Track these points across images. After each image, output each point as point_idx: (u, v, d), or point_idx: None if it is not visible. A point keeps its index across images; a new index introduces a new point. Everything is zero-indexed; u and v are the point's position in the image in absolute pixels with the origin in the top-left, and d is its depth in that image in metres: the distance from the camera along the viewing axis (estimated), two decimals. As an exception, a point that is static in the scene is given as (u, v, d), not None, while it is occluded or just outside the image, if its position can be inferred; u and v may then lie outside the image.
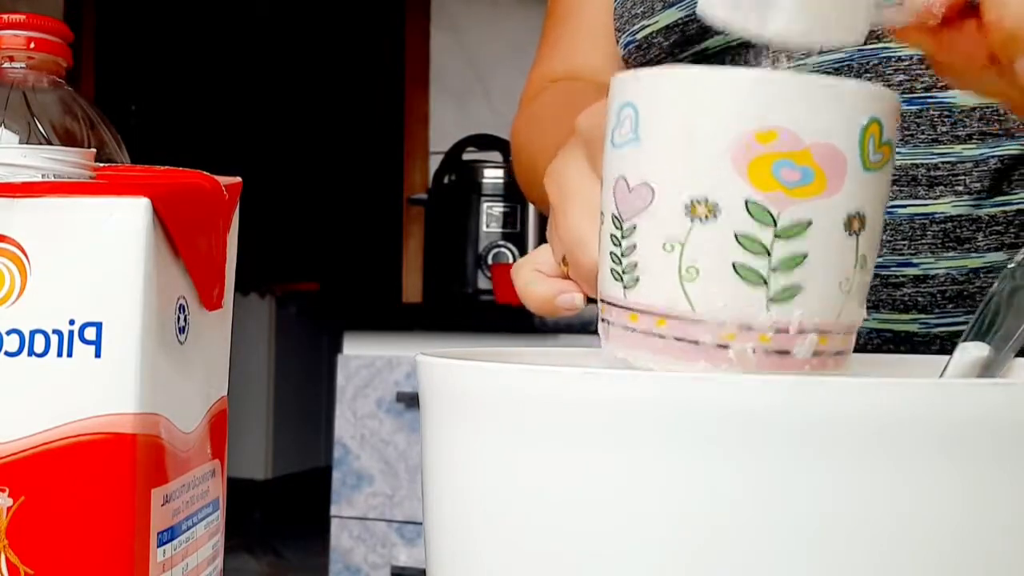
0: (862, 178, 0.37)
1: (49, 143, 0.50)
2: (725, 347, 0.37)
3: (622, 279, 0.39)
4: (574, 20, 0.83)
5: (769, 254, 0.37)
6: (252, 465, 4.73)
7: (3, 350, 0.42)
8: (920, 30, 0.40)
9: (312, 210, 5.37)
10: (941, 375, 0.45)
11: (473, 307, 2.51)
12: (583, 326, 2.18)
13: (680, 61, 0.68)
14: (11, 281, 0.42)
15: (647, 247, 0.38)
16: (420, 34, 3.12)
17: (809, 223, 0.37)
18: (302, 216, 5.35)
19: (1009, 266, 0.45)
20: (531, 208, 2.55)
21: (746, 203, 0.37)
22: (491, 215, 2.57)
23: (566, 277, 0.50)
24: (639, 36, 0.70)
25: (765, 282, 0.37)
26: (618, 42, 0.73)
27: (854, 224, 0.38)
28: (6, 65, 0.51)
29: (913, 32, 0.41)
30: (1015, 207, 0.60)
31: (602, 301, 0.42)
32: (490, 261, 2.54)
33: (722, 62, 0.67)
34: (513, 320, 2.26)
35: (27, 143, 0.50)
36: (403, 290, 3.15)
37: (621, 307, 0.40)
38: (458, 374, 0.38)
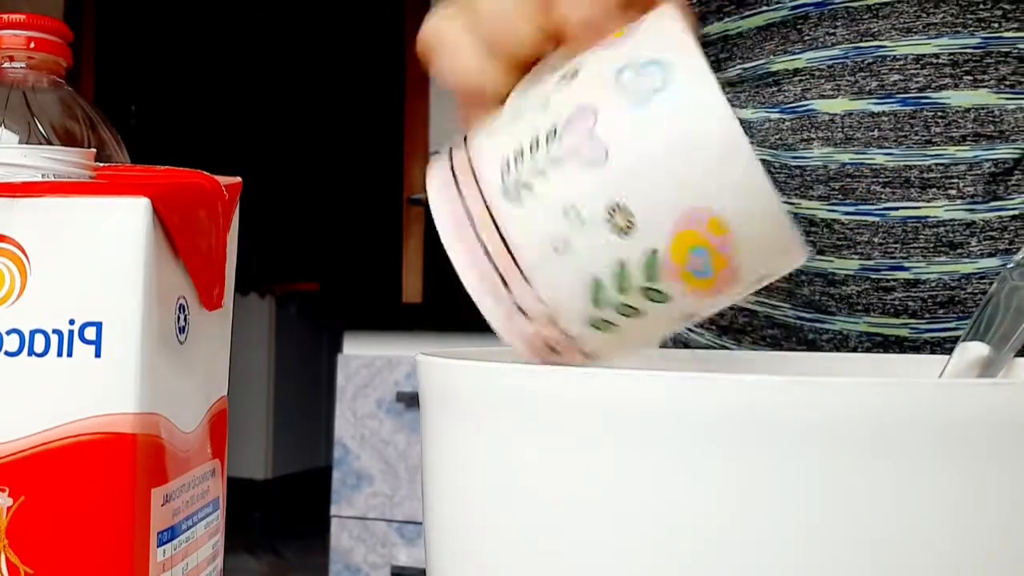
0: None
1: (49, 143, 0.50)
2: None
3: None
4: None
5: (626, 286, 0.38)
6: (252, 465, 4.74)
7: (3, 350, 0.42)
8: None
9: (312, 210, 5.37)
10: (941, 375, 0.45)
11: (473, 307, 2.50)
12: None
13: None
14: (11, 281, 0.42)
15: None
16: (420, 34, 3.12)
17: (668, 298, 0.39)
18: (302, 216, 5.35)
19: (1008, 267, 0.45)
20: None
21: (650, 254, 0.38)
22: (491, 215, 2.57)
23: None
24: None
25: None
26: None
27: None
28: (6, 65, 0.51)
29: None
30: (1010, 213, 0.60)
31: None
32: (490, 261, 2.54)
33: (720, 49, 0.67)
34: (513, 320, 2.26)
35: (27, 143, 0.50)
36: (403, 290, 3.16)
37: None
38: (458, 374, 0.38)
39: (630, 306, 0.38)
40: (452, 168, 0.41)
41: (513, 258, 0.39)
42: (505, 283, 0.39)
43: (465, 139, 0.42)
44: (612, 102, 0.38)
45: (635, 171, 0.37)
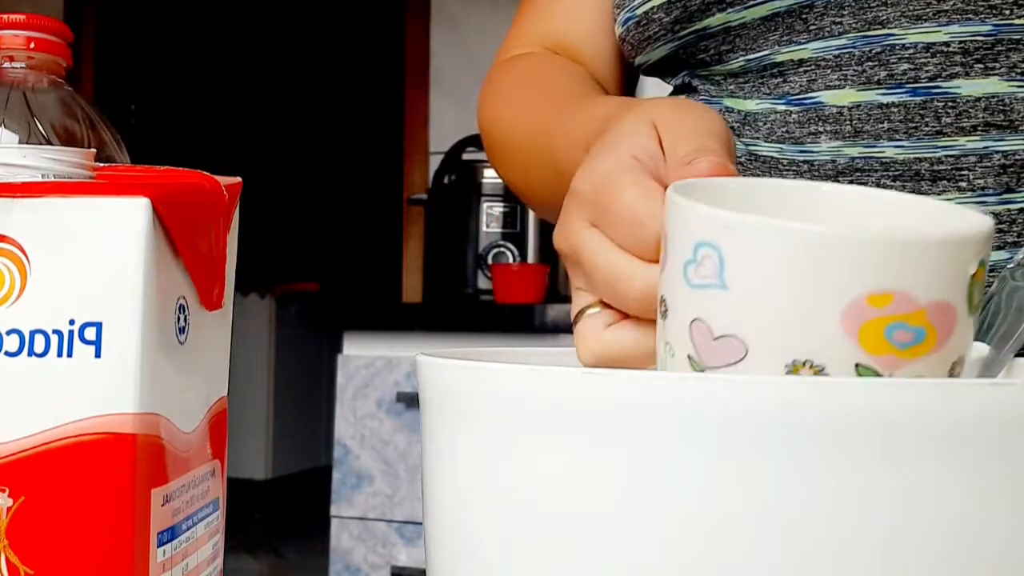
0: (967, 324, 0.36)
1: (49, 143, 0.50)
2: None
3: None
4: None
5: None
6: (252, 465, 4.74)
7: (3, 350, 0.42)
8: None
9: (312, 210, 5.37)
10: (941, 375, 0.45)
11: (473, 307, 2.51)
12: (583, 326, 2.18)
13: (681, 38, 0.67)
14: (11, 281, 0.42)
15: None
16: (420, 34, 3.12)
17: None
18: (302, 216, 5.35)
19: (1008, 266, 0.45)
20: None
21: (856, 367, 0.35)
22: (491, 215, 2.57)
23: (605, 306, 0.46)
24: (639, 11, 0.68)
25: None
26: (616, 19, 0.72)
27: (956, 370, 0.36)
28: (6, 65, 0.51)
29: None
30: (1018, 205, 0.60)
31: None
32: (490, 261, 2.54)
33: (722, 41, 0.66)
34: (513, 320, 2.26)
35: (27, 143, 0.50)
36: (403, 290, 3.15)
37: None
38: (458, 374, 0.38)
39: None
40: None
41: None
42: None
43: None
44: (694, 295, 0.37)
45: (763, 320, 0.35)
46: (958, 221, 0.37)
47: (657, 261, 0.41)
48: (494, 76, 0.81)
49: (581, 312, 0.46)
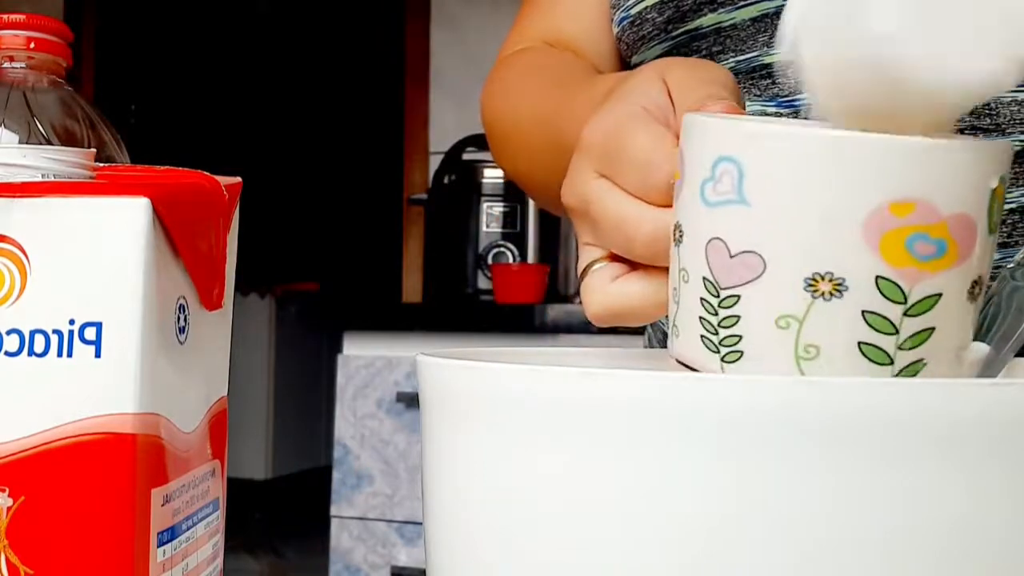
0: (986, 242, 0.36)
1: (49, 143, 0.50)
2: None
3: (718, 350, 0.37)
4: None
5: (897, 331, 0.35)
6: (252, 465, 4.74)
7: (3, 350, 0.42)
8: None
9: (312, 210, 5.37)
10: (941, 375, 0.45)
11: (473, 307, 2.51)
12: (583, 326, 2.18)
13: (674, 38, 0.68)
14: (11, 281, 0.42)
15: (755, 321, 0.36)
16: (420, 34, 3.12)
17: (939, 296, 0.35)
18: (302, 216, 5.35)
19: (1008, 266, 0.45)
20: (531, 208, 2.55)
21: (876, 280, 0.34)
22: (491, 215, 2.57)
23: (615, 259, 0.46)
24: (633, 11, 0.69)
25: (892, 360, 0.35)
26: (612, 19, 0.73)
27: (975, 290, 0.36)
28: (6, 65, 0.51)
29: None
30: (1009, 206, 0.60)
31: (681, 364, 0.39)
32: (490, 261, 2.54)
33: (714, 42, 0.66)
34: (513, 320, 2.26)
35: (27, 143, 0.50)
36: (403, 290, 3.15)
37: None
38: (458, 374, 0.38)
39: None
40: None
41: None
42: None
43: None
44: (711, 214, 0.36)
45: (783, 232, 0.35)
46: (976, 139, 0.37)
47: (668, 205, 0.41)
48: (496, 73, 0.82)
49: (588, 267, 0.46)
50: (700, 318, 0.38)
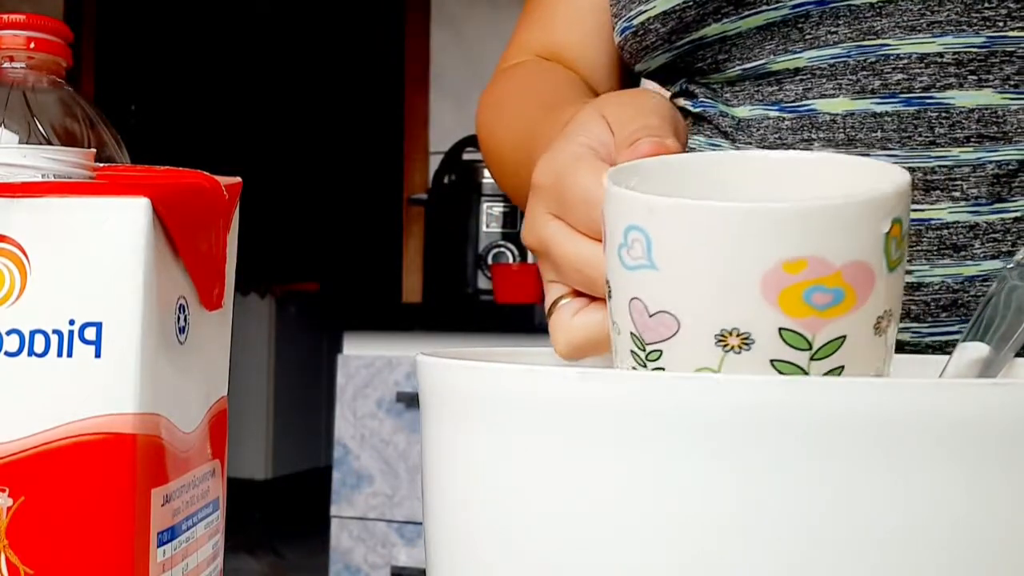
0: (888, 280, 0.37)
1: (49, 143, 0.50)
2: None
3: None
4: None
5: (807, 374, 0.37)
6: (252, 465, 4.74)
7: (3, 350, 0.42)
8: None
9: (312, 210, 5.37)
10: (941, 375, 0.45)
11: (473, 307, 2.51)
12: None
13: (678, 47, 0.68)
14: (11, 281, 0.42)
15: (678, 372, 0.38)
16: (420, 34, 3.12)
17: (844, 338, 0.37)
18: (302, 216, 5.35)
19: (1008, 266, 0.45)
20: (531, 208, 2.54)
21: (780, 331, 0.36)
22: (491, 215, 2.57)
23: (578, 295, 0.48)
24: (635, 22, 0.69)
25: None
26: (614, 28, 0.73)
27: (882, 323, 0.38)
28: (6, 65, 0.51)
29: None
30: (1013, 215, 0.60)
31: None
32: (490, 261, 2.54)
33: (719, 51, 0.66)
34: (513, 320, 2.26)
35: (27, 143, 0.50)
36: (403, 290, 3.15)
37: None
38: (458, 374, 0.38)
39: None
40: None
41: None
42: None
43: None
44: (629, 276, 0.39)
45: (690, 294, 0.37)
46: (872, 181, 0.38)
47: None
48: (491, 87, 0.83)
49: (554, 304, 0.48)
50: (632, 367, 0.40)
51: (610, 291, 0.41)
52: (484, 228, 2.57)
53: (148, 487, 0.42)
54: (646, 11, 0.68)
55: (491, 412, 0.37)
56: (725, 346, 0.37)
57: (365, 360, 2.34)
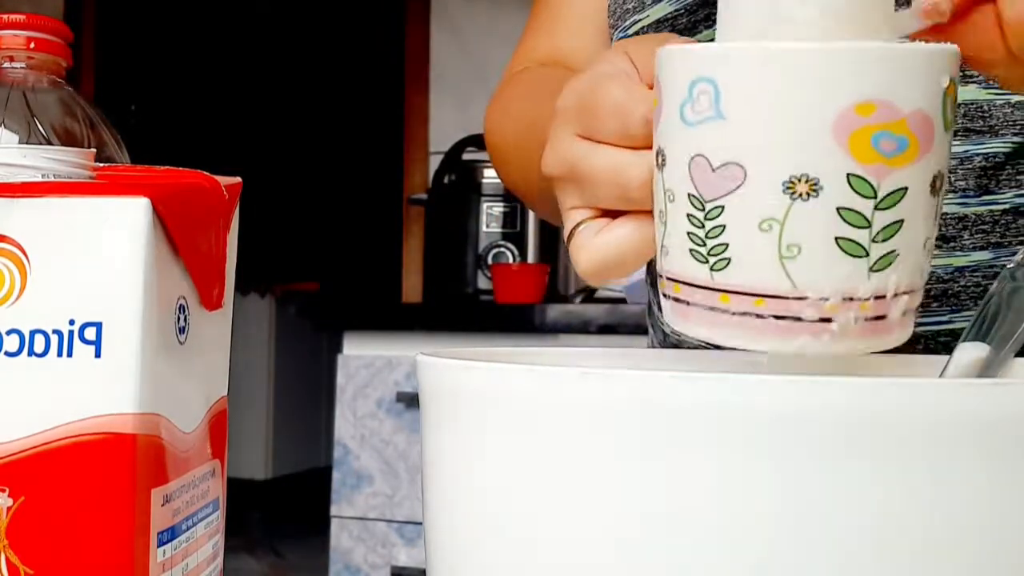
0: (943, 138, 0.38)
1: (49, 143, 0.50)
2: (828, 320, 0.38)
3: (707, 260, 0.39)
4: (558, 0, 0.83)
5: (870, 225, 0.37)
6: (252, 465, 4.74)
7: (3, 350, 0.42)
8: (935, 31, 0.41)
9: (312, 210, 5.37)
10: (941, 375, 0.45)
11: (473, 307, 2.51)
12: (583, 326, 2.18)
13: None
14: (11, 281, 0.42)
15: (740, 227, 0.38)
16: (420, 34, 3.12)
17: (905, 190, 0.37)
18: (302, 216, 5.35)
19: (1008, 266, 0.45)
20: (531, 208, 2.54)
21: (848, 177, 0.37)
22: (491, 215, 2.57)
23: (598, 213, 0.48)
24: (630, 31, 0.70)
25: (867, 253, 0.38)
26: (611, 38, 0.74)
27: (937, 184, 0.39)
28: (6, 65, 0.51)
29: (929, 35, 0.41)
30: (1001, 207, 0.61)
31: (672, 280, 0.41)
32: (490, 261, 2.54)
33: None
34: (513, 320, 2.26)
35: (27, 143, 0.50)
36: (403, 290, 3.15)
37: (708, 288, 0.39)
38: (458, 374, 0.38)
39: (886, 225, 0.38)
40: (672, 300, 0.42)
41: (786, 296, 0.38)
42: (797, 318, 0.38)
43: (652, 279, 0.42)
44: (692, 133, 0.39)
45: (760, 141, 0.38)
46: (924, 43, 0.40)
47: (650, 147, 0.43)
48: (498, 93, 0.85)
49: (574, 229, 0.47)
50: (688, 233, 0.40)
51: (663, 160, 0.41)
52: (484, 228, 2.57)
53: (148, 487, 0.42)
54: (640, 20, 0.69)
55: (491, 412, 0.37)
56: (793, 193, 0.37)
57: (365, 360, 2.34)
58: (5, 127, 0.50)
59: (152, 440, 0.43)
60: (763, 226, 0.38)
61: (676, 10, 0.66)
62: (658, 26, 0.68)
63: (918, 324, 0.63)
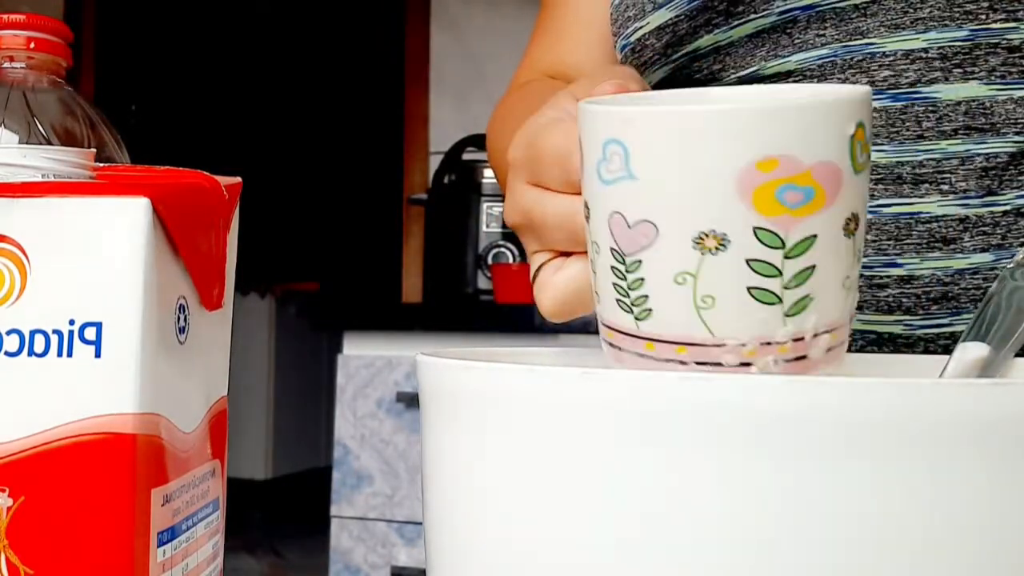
0: (854, 182, 0.39)
1: (49, 143, 0.50)
2: (748, 364, 0.39)
3: (632, 311, 0.40)
4: (564, 9, 0.84)
5: (781, 274, 0.38)
6: (252, 465, 4.74)
7: (3, 350, 0.42)
8: None
9: (312, 210, 5.37)
10: (941, 375, 0.45)
11: (473, 307, 2.51)
12: (583, 326, 2.18)
13: (674, 61, 0.69)
14: (11, 281, 0.42)
15: (657, 280, 0.39)
16: (420, 34, 3.12)
17: (815, 237, 0.38)
18: (302, 216, 5.35)
19: (1009, 267, 0.45)
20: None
21: (754, 230, 0.38)
22: (491, 215, 2.57)
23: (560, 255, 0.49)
24: (632, 39, 0.71)
25: (780, 300, 0.38)
26: (615, 46, 0.74)
27: (851, 225, 0.39)
28: (6, 65, 0.51)
29: None
30: (1002, 208, 0.60)
31: (605, 326, 0.42)
32: (490, 261, 2.54)
33: (713, 61, 0.67)
34: (513, 320, 2.26)
35: (27, 143, 0.50)
36: (403, 290, 3.16)
37: (634, 336, 0.40)
38: (458, 374, 0.38)
39: (797, 273, 0.38)
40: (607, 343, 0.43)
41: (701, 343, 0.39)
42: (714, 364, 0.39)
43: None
44: (608, 191, 0.40)
45: (668, 200, 0.39)
46: (832, 89, 0.41)
47: None
48: (500, 104, 0.85)
49: (537, 271, 0.49)
50: (613, 284, 0.41)
51: (588, 213, 0.42)
52: (484, 228, 2.57)
53: (148, 487, 0.42)
54: (641, 27, 0.69)
55: (491, 412, 0.37)
56: (703, 248, 0.38)
57: (365, 360, 2.34)
58: (5, 127, 0.50)
59: (152, 440, 0.43)
60: (678, 279, 0.39)
61: (676, 16, 0.67)
62: (658, 33, 0.68)
63: (919, 327, 0.63)
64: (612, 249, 0.40)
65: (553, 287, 0.48)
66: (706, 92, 0.44)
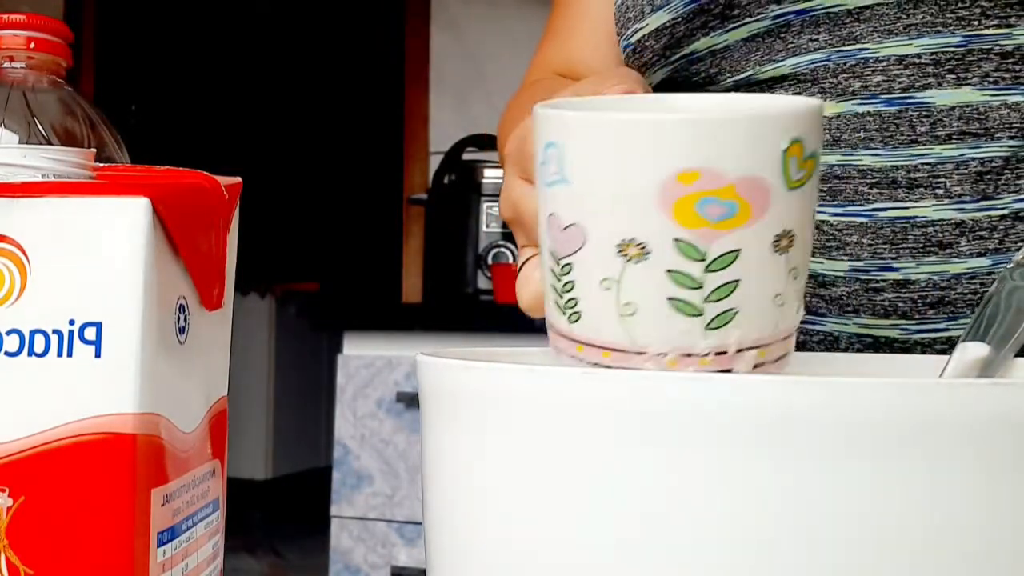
0: (786, 198, 0.38)
1: (49, 143, 0.50)
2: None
3: (565, 313, 0.41)
4: (574, 9, 0.84)
5: (701, 286, 0.38)
6: (252, 465, 4.74)
7: (3, 350, 0.42)
8: None
9: (312, 210, 5.37)
10: (941, 375, 0.45)
11: (473, 307, 2.51)
12: (583, 326, 2.18)
13: (672, 63, 0.69)
14: (11, 281, 0.42)
15: (585, 285, 0.39)
16: (420, 34, 3.12)
17: (738, 252, 0.38)
18: (302, 216, 5.35)
19: (1008, 267, 0.45)
20: (531, 208, 2.54)
21: (675, 241, 0.37)
22: (491, 215, 2.57)
23: None
24: (633, 40, 0.71)
25: (700, 312, 0.38)
26: (620, 46, 0.75)
27: (782, 243, 0.39)
28: (6, 65, 0.51)
29: None
30: (999, 212, 0.60)
31: (550, 326, 0.43)
32: (490, 261, 2.54)
33: (710, 64, 0.67)
34: (513, 320, 2.26)
35: (27, 143, 0.50)
36: (403, 290, 3.16)
37: (567, 338, 0.41)
38: (458, 374, 0.38)
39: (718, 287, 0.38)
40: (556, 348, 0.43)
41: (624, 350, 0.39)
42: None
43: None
44: (547, 193, 0.41)
45: (595, 205, 0.39)
46: (771, 102, 0.40)
47: None
48: (511, 102, 0.86)
49: (522, 265, 0.49)
50: (551, 285, 0.41)
51: (539, 216, 0.42)
52: (484, 228, 2.57)
53: (148, 487, 0.42)
54: (641, 29, 0.69)
55: (491, 412, 0.37)
56: (626, 256, 0.38)
57: (365, 360, 2.34)
58: (5, 127, 0.50)
59: (152, 440, 0.43)
60: (603, 284, 0.39)
61: (674, 19, 0.67)
62: (657, 35, 0.68)
63: (915, 331, 0.63)
64: (550, 251, 0.41)
65: (533, 282, 0.48)
66: (662, 99, 0.44)
